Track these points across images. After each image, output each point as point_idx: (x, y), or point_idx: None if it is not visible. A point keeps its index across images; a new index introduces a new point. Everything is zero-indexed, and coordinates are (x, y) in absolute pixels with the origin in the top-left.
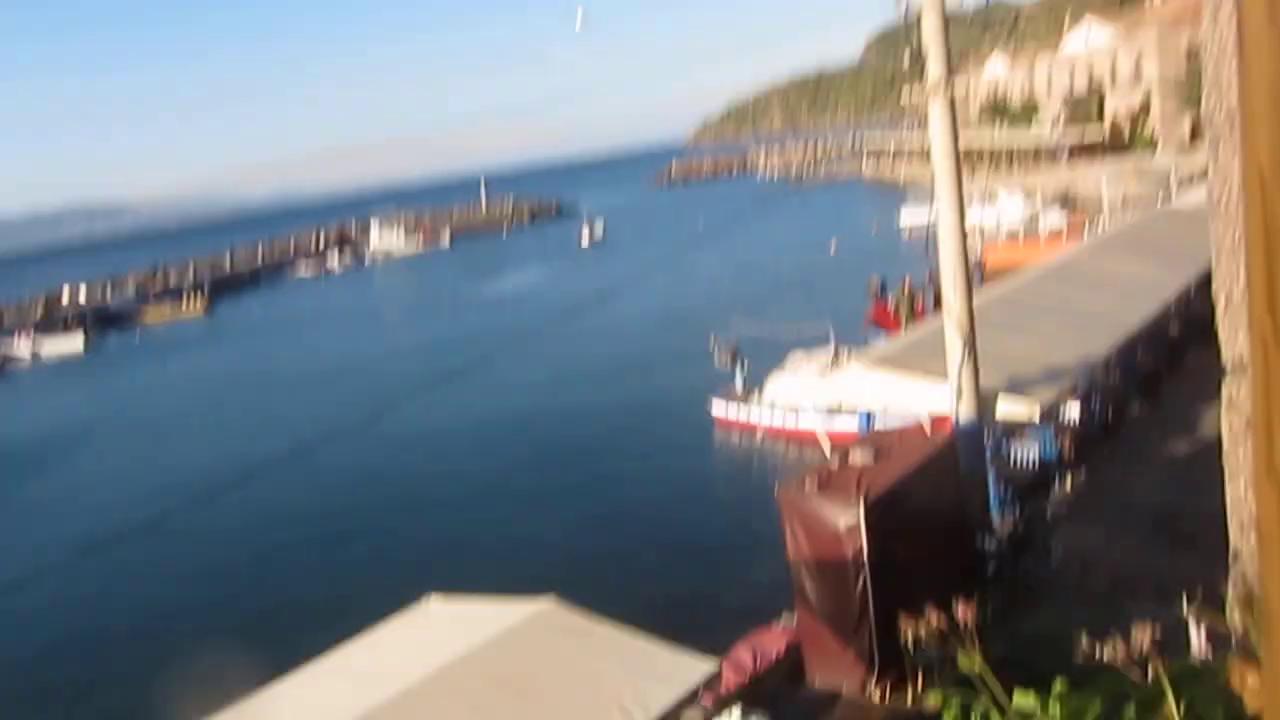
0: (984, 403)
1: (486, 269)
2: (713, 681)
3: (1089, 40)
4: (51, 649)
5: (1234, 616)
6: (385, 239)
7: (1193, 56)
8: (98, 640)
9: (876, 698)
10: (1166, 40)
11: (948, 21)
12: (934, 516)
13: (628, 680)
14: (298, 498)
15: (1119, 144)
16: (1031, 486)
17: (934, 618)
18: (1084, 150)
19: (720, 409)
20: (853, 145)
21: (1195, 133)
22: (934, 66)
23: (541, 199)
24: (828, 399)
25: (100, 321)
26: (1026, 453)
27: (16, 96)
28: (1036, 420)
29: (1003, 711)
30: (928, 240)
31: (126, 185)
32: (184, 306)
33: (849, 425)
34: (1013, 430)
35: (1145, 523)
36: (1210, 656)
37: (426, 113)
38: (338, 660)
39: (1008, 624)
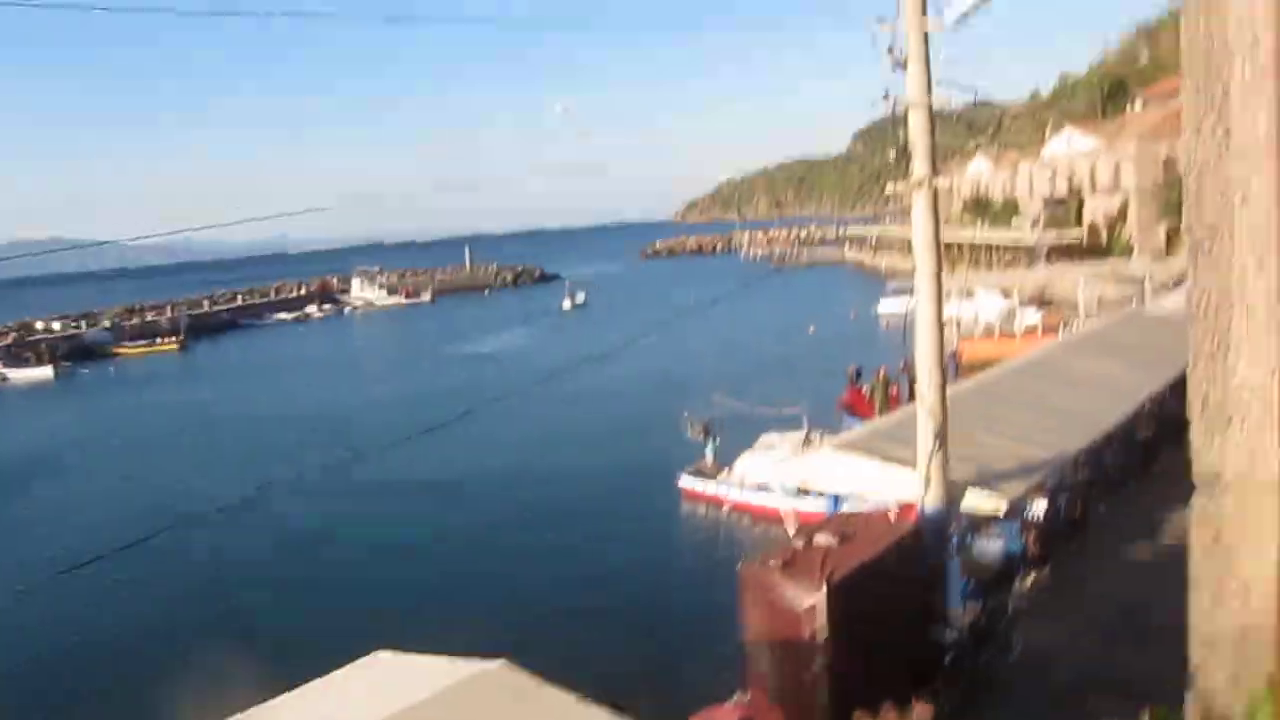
0: (952, 493)
1: (467, 327)
2: None
3: (1070, 145)
4: None
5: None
6: (366, 292)
7: (1170, 167)
8: (20, 679)
9: None
10: (1145, 150)
11: (934, 120)
12: (895, 604)
13: None
14: (256, 540)
15: (1096, 247)
16: (995, 580)
17: (891, 716)
18: (1062, 251)
19: (689, 481)
20: (836, 232)
21: (1171, 240)
22: (919, 162)
23: (526, 263)
24: (797, 479)
25: (74, 352)
26: (991, 546)
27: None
28: (1003, 514)
29: None
30: (905, 330)
31: (111, 221)
32: (160, 343)
33: (816, 507)
34: (979, 522)
35: (1107, 622)
36: None
37: (416, 172)
38: (277, 708)
39: (965, 718)
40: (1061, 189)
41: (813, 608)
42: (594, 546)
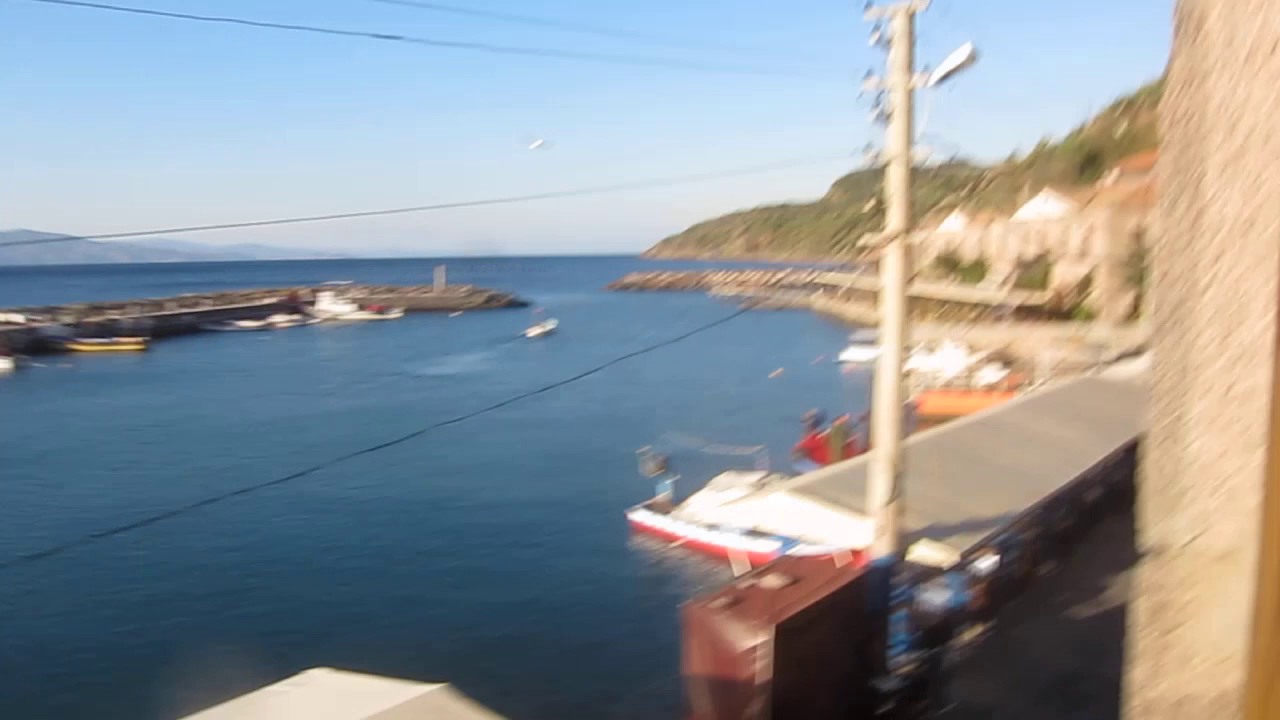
0: (901, 544)
1: (432, 346)
2: None
3: (1044, 209)
4: None
5: None
6: (335, 305)
7: (1139, 238)
8: None
9: None
10: (1117, 220)
11: (912, 174)
12: (837, 649)
13: None
14: (199, 548)
15: (1061, 310)
16: (937, 632)
17: None
18: (1028, 312)
19: (642, 516)
20: (809, 278)
21: (1136, 309)
22: (894, 215)
23: (497, 288)
24: (749, 520)
25: (34, 346)
26: (936, 598)
27: None
28: (950, 567)
29: None
30: (868, 379)
31: (81, 217)
32: (122, 343)
33: (766, 548)
34: (926, 574)
35: (1042, 682)
36: None
37: (394, 192)
38: None
39: None
40: (1032, 251)
41: (755, 649)
42: (542, 575)
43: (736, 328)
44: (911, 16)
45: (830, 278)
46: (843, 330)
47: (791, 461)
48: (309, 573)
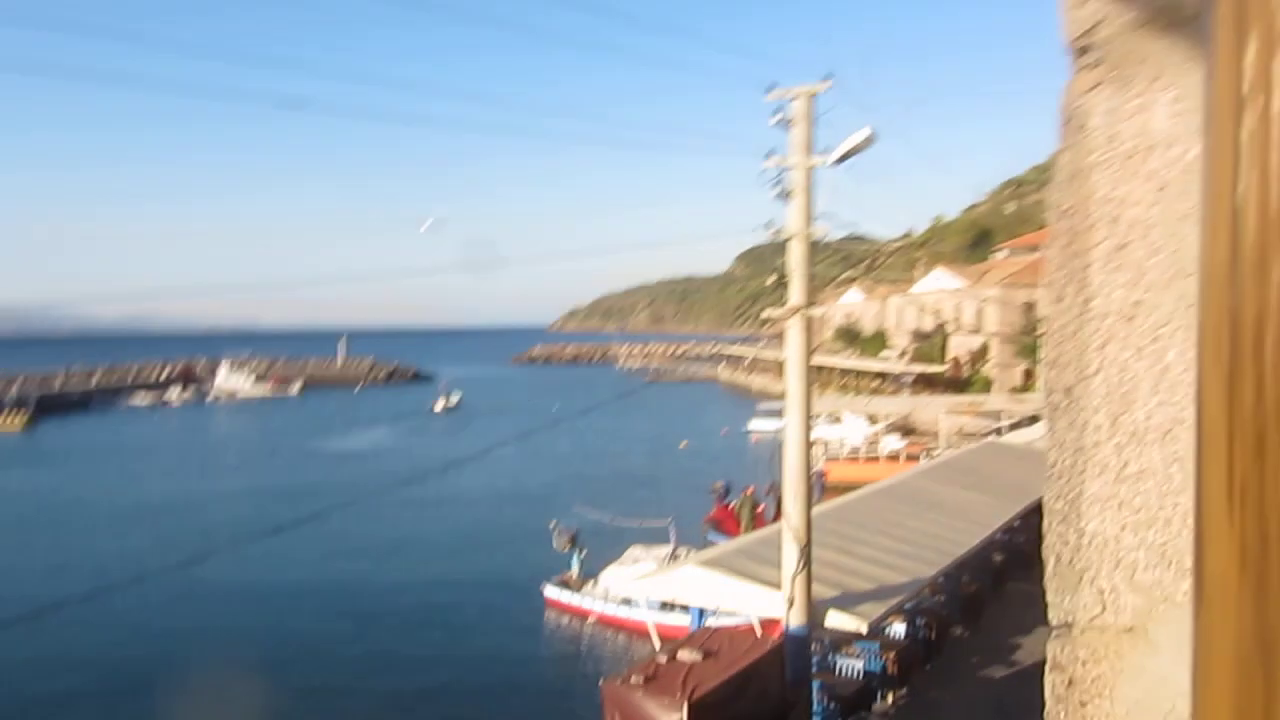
0: (814, 613)
1: (334, 423)
2: None
3: (939, 284)
4: None
5: None
6: (232, 380)
7: (1028, 312)
8: None
9: None
10: (1007, 295)
11: (812, 249)
12: None
13: None
14: (87, 641)
15: (958, 380)
16: (854, 699)
17: None
18: (926, 382)
19: (554, 592)
20: (712, 350)
21: (1029, 378)
22: (796, 289)
23: (400, 362)
24: (662, 594)
25: None
26: (852, 665)
27: None
28: (864, 634)
29: None
30: (774, 449)
31: None
32: (3, 419)
33: (681, 621)
34: (840, 642)
35: None
36: None
37: (295, 264)
38: None
39: None
40: (929, 324)
41: None
42: (455, 657)
43: (643, 400)
44: (812, 99)
45: (735, 350)
46: (748, 401)
47: (702, 533)
48: (205, 666)
